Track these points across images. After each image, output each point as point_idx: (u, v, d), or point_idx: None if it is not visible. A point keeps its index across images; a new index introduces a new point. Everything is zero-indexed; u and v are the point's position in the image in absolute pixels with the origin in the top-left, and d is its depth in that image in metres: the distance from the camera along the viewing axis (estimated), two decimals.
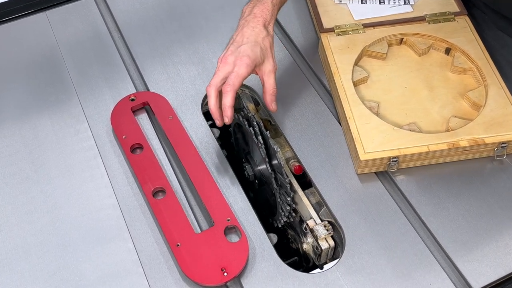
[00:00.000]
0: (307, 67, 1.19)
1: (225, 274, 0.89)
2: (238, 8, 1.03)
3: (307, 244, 1.01)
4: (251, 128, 1.00)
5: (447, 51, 1.14)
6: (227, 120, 0.95)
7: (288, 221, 1.04)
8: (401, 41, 1.16)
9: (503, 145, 1.00)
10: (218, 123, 0.97)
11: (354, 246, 0.94)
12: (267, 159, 0.98)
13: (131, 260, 0.93)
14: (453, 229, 0.95)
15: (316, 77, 1.17)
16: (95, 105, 1.13)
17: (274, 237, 0.98)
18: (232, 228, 0.95)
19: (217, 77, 0.95)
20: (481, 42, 1.13)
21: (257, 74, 1.00)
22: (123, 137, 1.06)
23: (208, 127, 1.09)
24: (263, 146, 0.97)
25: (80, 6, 1.30)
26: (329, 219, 0.99)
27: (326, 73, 1.16)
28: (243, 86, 1.06)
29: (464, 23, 1.16)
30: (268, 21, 0.99)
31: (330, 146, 1.06)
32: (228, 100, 0.94)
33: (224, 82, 0.95)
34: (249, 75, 0.96)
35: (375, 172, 1.02)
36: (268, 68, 0.98)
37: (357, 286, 0.91)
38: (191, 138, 1.06)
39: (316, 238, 0.98)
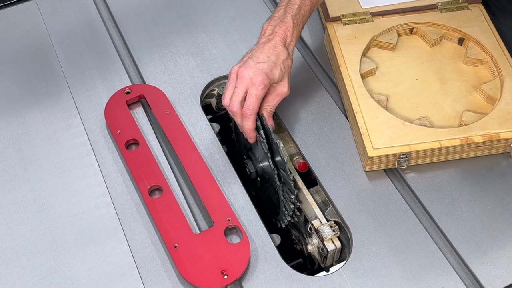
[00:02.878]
0: (312, 58, 1.19)
1: (226, 277, 0.89)
2: None
3: (312, 246, 1.01)
4: None
5: (460, 41, 1.13)
6: (252, 141, 1.00)
7: (292, 221, 1.04)
8: (411, 31, 1.16)
9: None
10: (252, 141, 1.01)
11: (362, 247, 0.94)
12: (269, 155, 0.98)
13: (126, 262, 0.93)
14: (466, 230, 0.95)
15: (321, 69, 1.17)
16: (88, 99, 1.12)
17: (277, 238, 0.97)
18: (232, 229, 0.95)
19: (237, 95, 0.96)
20: (496, 32, 1.12)
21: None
22: (118, 132, 1.05)
23: (208, 121, 1.09)
24: (265, 141, 0.97)
25: None
26: (336, 219, 0.98)
27: (332, 65, 1.15)
28: None
29: (478, 12, 1.15)
30: (288, 42, 1.00)
31: (336, 142, 1.06)
32: (250, 124, 0.97)
33: (244, 97, 0.96)
34: None
35: (384, 169, 1.02)
36: (279, 90, 0.99)
37: None
38: (189, 134, 1.06)
39: (321, 239, 0.98)
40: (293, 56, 1.00)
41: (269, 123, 0.99)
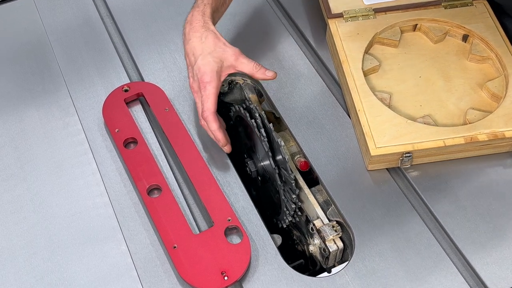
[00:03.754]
0: (314, 55, 1.18)
1: (226, 278, 0.88)
2: None
3: (314, 246, 1.01)
4: (253, 121, 0.99)
5: (465, 38, 1.13)
6: (221, 144, 1.00)
7: (293, 221, 1.04)
8: (415, 28, 1.15)
9: None
10: (227, 149, 1.03)
11: (364, 248, 0.94)
12: (270, 154, 0.97)
13: (125, 263, 0.93)
14: (471, 230, 0.95)
15: (323, 66, 1.17)
16: (86, 96, 1.12)
17: (278, 238, 0.97)
18: (233, 229, 0.95)
19: (198, 109, 1.00)
20: (501, 29, 1.12)
21: (235, 71, 1.01)
22: (116, 130, 1.05)
23: None
24: (265, 139, 0.97)
25: None
26: (338, 219, 0.98)
27: (334, 62, 1.15)
28: (244, 76, 1.06)
29: (483, 8, 1.15)
30: (201, 21, 1.01)
31: (338, 141, 1.05)
32: (211, 125, 0.98)
33: None
34: (220, 85, 0.99)
35: (387, 168, 1.02)
36: (230, 60, 0.99)
37: None
38: (189, 132, 1.05)
39: (323, 239, 0.97)
40: (215, 28, 1.01)
41: (270, 75, 1.00)
